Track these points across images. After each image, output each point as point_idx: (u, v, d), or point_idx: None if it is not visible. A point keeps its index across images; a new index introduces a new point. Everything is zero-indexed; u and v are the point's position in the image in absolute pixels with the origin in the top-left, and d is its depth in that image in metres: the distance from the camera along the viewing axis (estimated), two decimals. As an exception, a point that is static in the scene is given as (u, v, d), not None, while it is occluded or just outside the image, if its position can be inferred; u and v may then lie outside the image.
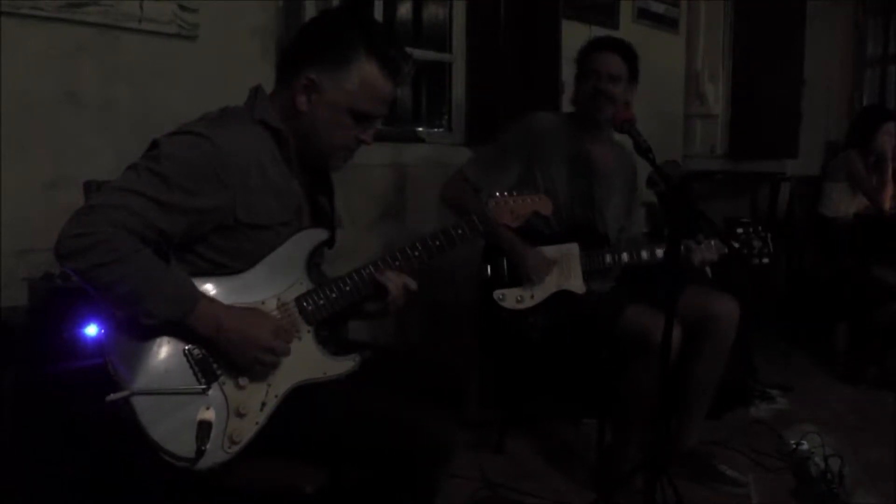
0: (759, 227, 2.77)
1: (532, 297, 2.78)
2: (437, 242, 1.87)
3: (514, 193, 1.98)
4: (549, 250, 2.80)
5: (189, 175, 1.61)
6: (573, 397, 3.35)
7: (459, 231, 1.89)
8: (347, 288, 1.79)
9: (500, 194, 1.98)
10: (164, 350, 1.63)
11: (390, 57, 1.79)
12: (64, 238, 1.52)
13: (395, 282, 1.83)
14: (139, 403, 1.59)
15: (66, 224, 1.53)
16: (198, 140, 1.63)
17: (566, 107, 3.22)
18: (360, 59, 1.75)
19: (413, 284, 1.87)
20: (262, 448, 1.68)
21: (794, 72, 5.76)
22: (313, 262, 1.84)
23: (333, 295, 1.78)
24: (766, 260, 2.76)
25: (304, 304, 1.76)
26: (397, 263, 1.84)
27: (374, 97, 1.79)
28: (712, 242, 2.77)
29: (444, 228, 1.89)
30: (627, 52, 2.90)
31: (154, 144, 1.65)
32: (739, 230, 2.77)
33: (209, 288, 1.68)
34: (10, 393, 2.09)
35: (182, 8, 2.75)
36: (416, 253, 1.86)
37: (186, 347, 1.64)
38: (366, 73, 1.76)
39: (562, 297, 2.79)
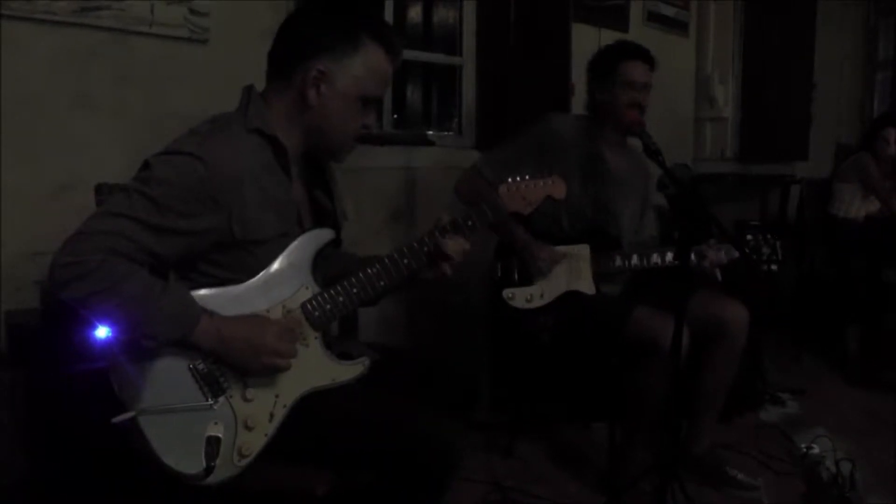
0: (769, 235, 2.76)
1: (542, 296, 2.77)
2: (447, 235, 1.83)
3: (526, 178, 1.94)
4: (560, 250, 2.79)
5: (181, 198, 1.57)
6: (583, 400, 3.34)
7: (469, 222, 1.85)
8: (355, 290, 1.76)
9: (511, 180, 1.94)
10: (168, 367, 1.61)
11: (390, 38, 1.78)
12: (56, 267, 1.49)
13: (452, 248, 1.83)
14: (146, 422, 1.58)
15: (58, 252, 1.50)
16: (189, 161, 1.59)
17: (576, 109, 3.21)
18: (366, 43, 1.74)
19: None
20: (271, 453, 1.68)
21: (805, 74, 5.76)
22: (319, 264, 1.80)
23: (340, 299, 1.75)
24: (774, 267, 2.75)
25: (310, 308, 1.73)
26: (406, 261, 1.80)
27: (380, 80, 1.79)
28: (721, 248, 2.76)
29: (454, 219, 1.85)
30: (652, 59, 2.93)
31: (145, 165, 1.61)
32: (749, 237, 2.76)
33: (212, 300, 1.64)
34: (23, 394, 2.11)
35: (192, 11, 2.76)
36: (425, 248, 1.82)
37: (191, 363, 1.62)
38: (371, 58, 1.75)
39: (571, 298, 2.78)
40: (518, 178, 1.94)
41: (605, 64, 2.95)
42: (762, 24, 5.44)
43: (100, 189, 2.00)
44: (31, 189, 2.43)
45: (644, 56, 2.92)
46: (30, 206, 2.41)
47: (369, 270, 1.77)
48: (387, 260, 1.79)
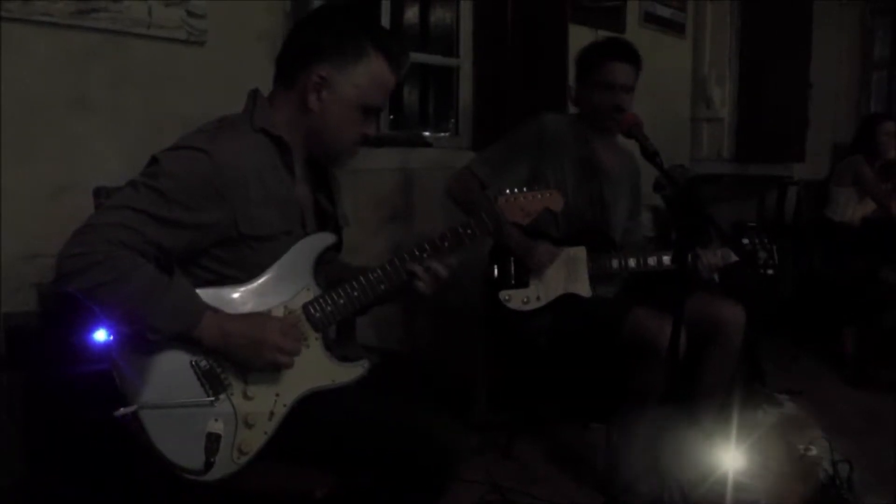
0: (766, 239, 2.76)
1: (538, 298, 2.77)
2: (446, 243, 1.86)
3: (524, 190, 1.96)
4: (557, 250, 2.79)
5: (188, 191, 1.60)
6: (581, 401, 3.34)
7: (468, 230, 1.87)
8: (355, 293, 1.78)
9: (509, 191, 1.95)
10: (170, 362, 1.62)
11: (395, 51, 1.80)
12: (63, 258, 1.51)
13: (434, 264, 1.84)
14: (147, 417, 1.58)
15: (66, 244, 1.52)
16: (197, 155, 1.62)
17: (572, 110, 3.22)
18: (370, 53, 1.76)
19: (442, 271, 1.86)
20: (271, 453, 1.69)
21: (801, 75, 5.76)
22: (321, 267, 1.82)
23: (341, 301, 1.77)
24: (770, 271, 2.75)
25: (312, 310, 1.75)
26: (406, 266, 1.82)
27: (382, 90, 1.81)
28: (718, 251, 2.76)
29: (453, 228, 1.87)
30: (637, 59, 2.89)
31: (153, 160, 1.64)
32: (745, 240, 2.76)
33: (215, 299, 1.66)
34: (21, 396, 2.10)
35: (190, 13, 2.76)
36: (425, 254, 1.84)
37: (193, 359, 1.63)
38: (374, 68, 1.77)
39: (568, 300, 2.78)
40: (516, 190, 1.96)
41: (588, 61, 2.94)
42: (759, 25, 5.45)
43: (98, 193, 2.01)
44: (29, 191, 2.42)
45: (628, 57, 2.88)
46: (28, 208, 2.41)
47: (370, 275, 1.80)
48: (388, 265, 1.81)
